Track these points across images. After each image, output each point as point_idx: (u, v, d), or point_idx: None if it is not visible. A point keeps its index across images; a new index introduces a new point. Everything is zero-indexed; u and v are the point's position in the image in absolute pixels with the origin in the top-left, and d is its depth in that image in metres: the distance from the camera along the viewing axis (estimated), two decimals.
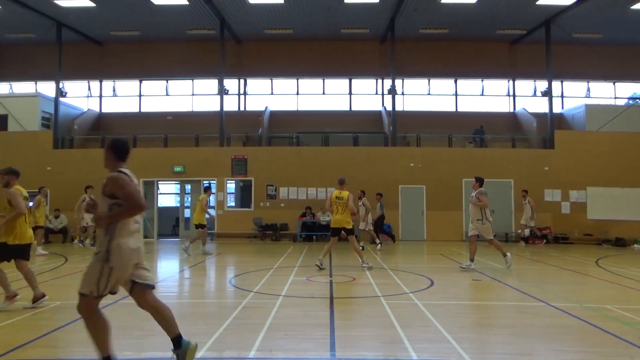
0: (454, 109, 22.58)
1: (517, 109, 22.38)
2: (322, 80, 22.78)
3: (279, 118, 21.86)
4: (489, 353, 4.67)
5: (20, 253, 6.43)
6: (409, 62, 21.22)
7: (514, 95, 22.71)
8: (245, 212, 19.03)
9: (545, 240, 17.46)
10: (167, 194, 21.72)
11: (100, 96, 23.00)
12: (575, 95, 22.75)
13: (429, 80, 22.66)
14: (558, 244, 17.48)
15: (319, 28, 20.40)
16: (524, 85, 22.82)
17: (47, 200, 18.75)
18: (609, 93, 22.90)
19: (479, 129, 20.58)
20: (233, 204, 20.06)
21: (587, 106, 20.68)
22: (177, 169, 19.02)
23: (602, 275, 9.99)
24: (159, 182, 19.56)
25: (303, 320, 6.05)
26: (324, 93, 22.83)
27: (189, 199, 20.63)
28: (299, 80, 22.79)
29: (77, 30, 20.28)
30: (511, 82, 22.64)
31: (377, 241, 15.25)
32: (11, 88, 23.32)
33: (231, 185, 20.03)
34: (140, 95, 22.95)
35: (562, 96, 22.71)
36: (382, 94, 22.52)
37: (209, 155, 19.26)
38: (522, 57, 21.85)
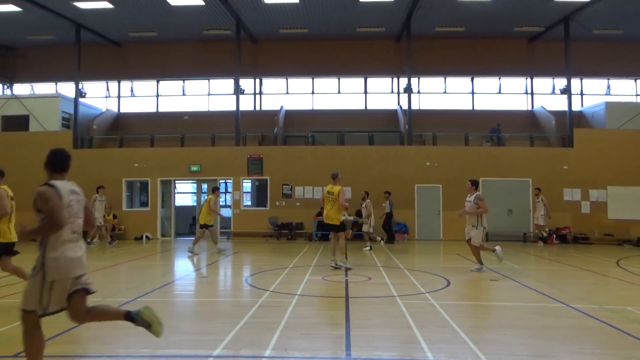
0: (470, 107, 22.36)
1: (535, 107, 22.07)
2: (337, 79, 22.75)
3: (294, 117, 21.91)
4: (507, 354, 4.60)
5: (6, 251, 6.55)
6: (425, 61, 21.07)
7: (532, 93, 22.40)
8: (261, 211, 19.12)
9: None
10: (184, 193, 21.91)
11: (119, 96, 23.32)
12: (595, 93, 22.35)
13: (445, 78, 22.48)
14: (578, 244, 17.21)
15: (334, 27, 20.38)
16: (542, 83, 22.48)
17: None
18: (630, 90, 22.44)
19: (496, 127, 20.35)
20: (249, 203, 20.17)
21: (608, 104, 20.30)
22: (194, 168, 19.18)
23: (623, 276, 9.79)
24: (176, 181, 19.75)
25: (319, 320, 6.05)
26: (339, 92, 22.80)
27: (206, 198, 20.75)
28: (314, 79, 22.81)
29: (95, 32, 20.58)
30: (529, 79, 22.34)
31: (368, 245, 14.70)
32: (32, 89, 23.79)
33: (247, 185, 20.15)
34: (157, 96, 23.21)
35: (581, 94, 22.31)
36: (398, 93, 22.39)
37: (225, 154, 19.39)
38: (540, 54, 21.53)
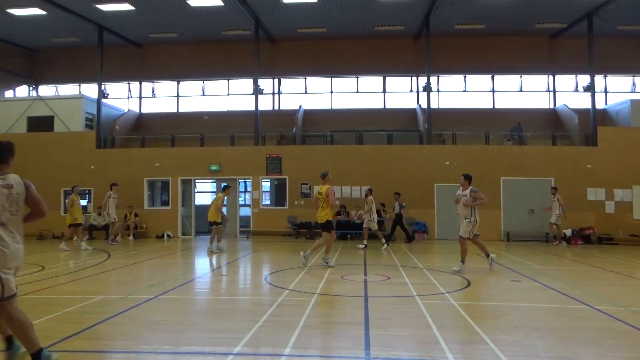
0: (491, 106, 22.08)
1: (557, 105, 21.69)
2: (355, 78, 22.71)
3: (312, 117, 21.94)
4: (529, 356, 4.52)
5: None
6: (444, 59, 20.89)
7: (554, 91, 22.01)
8: (280, 210, 19.20)
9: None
10: (204, 192, 22.14)
11: (140, 97, 23.66)
12: (619, 90, 21.85)
13: (464, 77, 22.25)
14: (602, 245, 16.86)
15: (352, 26, 20.34)
16: (565, 81, 22.08)
17: (91, 198, 19.54)
18: None
19: (517, 126, 20.05)
20: (268, 202, 20.28)
21: (633, 101, 19.80)
22: (214, 167, 19.37)
23: None
24: (196, 181, 19.97)
25: (338, 319, 6.06)
26: (357, 91, 22.75)
27: (225, 197, 20.92)
28: (333, 78, 22.80)
29: (117, 34, 20.94)
30: (551, 77, 21.95)
31: (364, 243, 14.81)
32: (57, 90, 24.33)
33: (266, 184, 20.26)
34: (177, 96, 23.50)
35: (605, 91, 21.84)
36: (417, 92, 22.23)
37: (244, 154, 19.52)
38: (562, 51, 21.14)
